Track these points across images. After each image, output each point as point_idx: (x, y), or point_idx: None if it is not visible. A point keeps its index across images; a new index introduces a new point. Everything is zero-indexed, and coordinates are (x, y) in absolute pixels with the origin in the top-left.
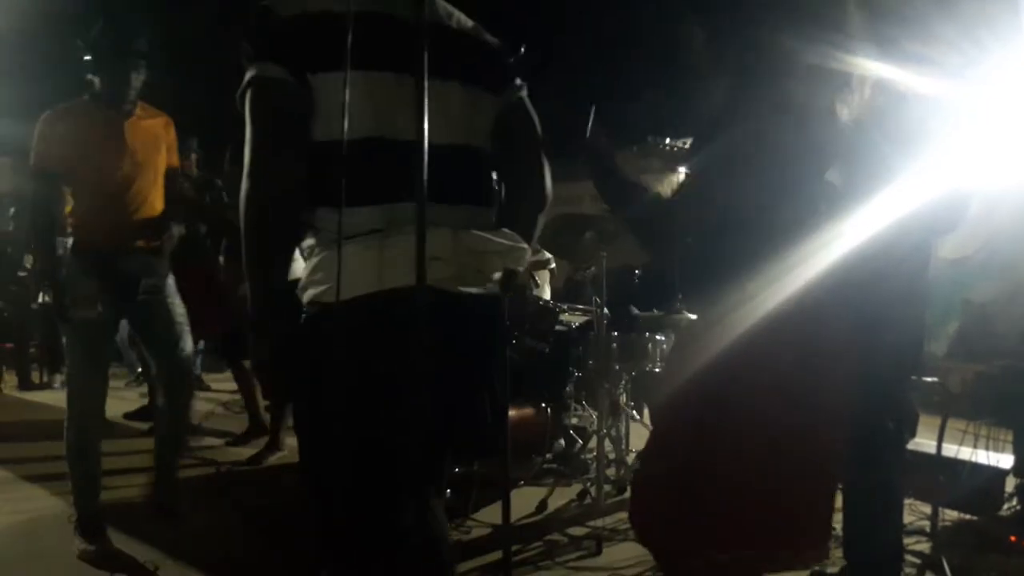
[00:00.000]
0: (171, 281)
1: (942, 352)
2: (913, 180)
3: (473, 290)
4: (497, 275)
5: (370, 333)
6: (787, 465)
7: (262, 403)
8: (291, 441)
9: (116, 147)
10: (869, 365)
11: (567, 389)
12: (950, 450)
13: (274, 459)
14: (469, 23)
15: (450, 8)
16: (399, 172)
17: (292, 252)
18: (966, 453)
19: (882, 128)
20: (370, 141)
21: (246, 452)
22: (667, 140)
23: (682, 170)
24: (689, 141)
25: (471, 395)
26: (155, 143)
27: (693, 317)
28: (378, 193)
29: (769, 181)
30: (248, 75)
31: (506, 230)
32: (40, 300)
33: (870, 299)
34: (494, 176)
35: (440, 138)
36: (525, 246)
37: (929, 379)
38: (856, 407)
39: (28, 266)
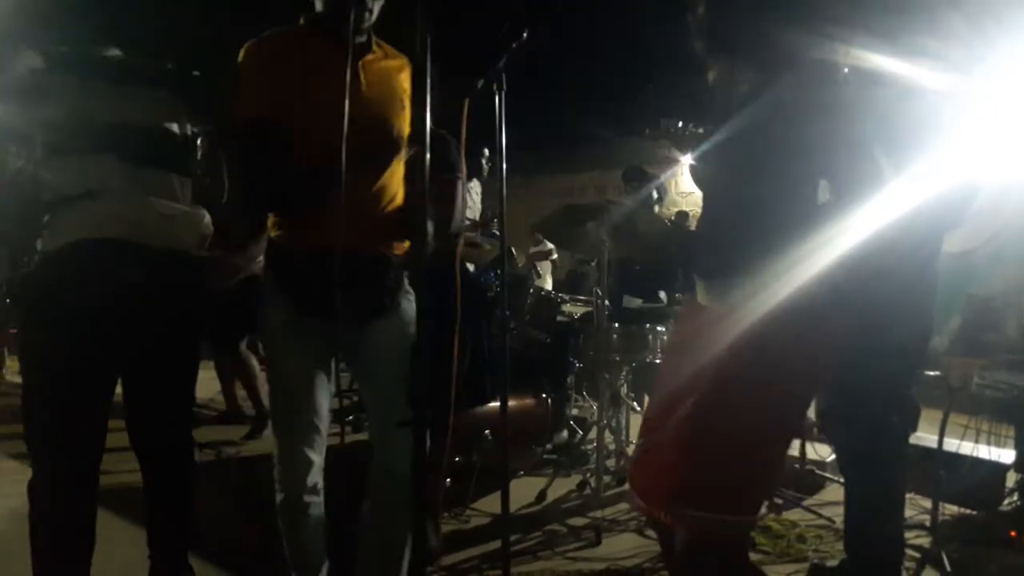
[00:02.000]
0: (409, 305)
1: (944, 346)
2: (919, 174)
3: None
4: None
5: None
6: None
7: (262, 389)
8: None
9: (352, 96)
10: (873, 360)
11: (568, 380)
12: (951, 444)
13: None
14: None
15: None
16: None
17: None
18: (967, 448)
19: (887, 122)
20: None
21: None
22: (679, 124)
23: (688, 159)
24: (700, 127)
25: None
26: (400, 96)
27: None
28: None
29: (769, 176)
30: None
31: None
32: None
33: (875, 294)
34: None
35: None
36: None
37: (931, 373)
38: (847, 390)
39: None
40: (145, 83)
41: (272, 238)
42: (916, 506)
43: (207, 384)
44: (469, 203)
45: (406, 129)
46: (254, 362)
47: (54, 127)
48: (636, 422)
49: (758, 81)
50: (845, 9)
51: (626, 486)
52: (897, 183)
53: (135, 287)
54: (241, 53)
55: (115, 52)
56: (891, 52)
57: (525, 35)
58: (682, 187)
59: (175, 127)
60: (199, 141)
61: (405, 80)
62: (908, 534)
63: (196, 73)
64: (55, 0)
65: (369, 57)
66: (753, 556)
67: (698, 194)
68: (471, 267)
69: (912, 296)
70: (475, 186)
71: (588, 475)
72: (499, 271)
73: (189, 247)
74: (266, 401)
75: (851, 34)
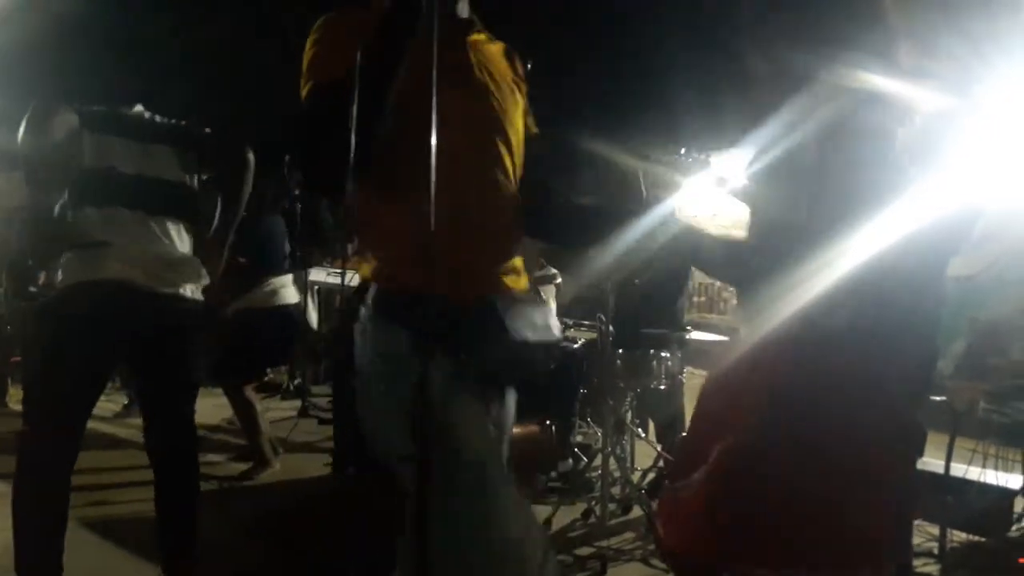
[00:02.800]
0: None
1: (949, 370)
2: (919, 198)
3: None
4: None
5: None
6: (836, 479)
7: (264, 428)
8: (289, 460)
9: (460, 83)
10: (878, 387)
11: (572, 406)
12: (958, 470)
13: (266, 475)
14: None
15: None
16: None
17: None
18: (975, 473)
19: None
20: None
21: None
22: (681, 151)
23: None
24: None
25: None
26: (512, 85)
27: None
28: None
29: (811, 198)
30: None
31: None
32: None
33: (877, 319)
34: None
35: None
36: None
37: (937, 398)
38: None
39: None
40: (163, 140)
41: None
42: (924, 533)
43: (218, 411)
44: None
45: (524, 128)
46: (252, 395)
47: (83, 180)
48: (641, 449)
49: (804, 102)
50: (852, 31)
51: (631, 515)
52: (895, 206)
53: (139, 323)
54: (316, 28)
55: (138, 109)
56: (891, 73)
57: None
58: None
59: (186, 179)
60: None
61: (518, 67)
62: (916, 561)
63: (208, 131)
64: (87, 65)
65: (475, 36)
66: None
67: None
68: None
69: (915, 321)
70: None
71: (593, 503)
72: None
73: (188, 289)
74: (262, 440)
75: (860, 58)
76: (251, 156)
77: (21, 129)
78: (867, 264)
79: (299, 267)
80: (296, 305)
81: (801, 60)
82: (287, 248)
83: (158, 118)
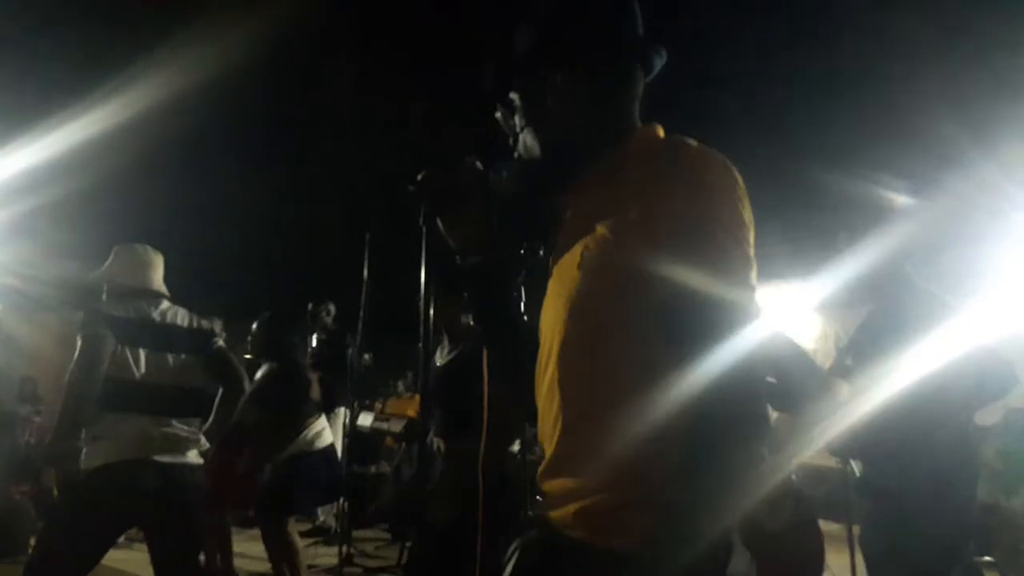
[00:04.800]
0: None
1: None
2: (943, 336)
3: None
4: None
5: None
6: None
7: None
8: None
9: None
10: (904, 559)
11: None
12: None
13: None
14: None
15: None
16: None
17: None
18: None
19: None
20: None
21: None
22: None
23: None
24: None
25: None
26: (607, 239)
27: None
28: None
29: None
30: None
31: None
32: None
33: (897, 485)
34: None
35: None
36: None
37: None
38: None
39: None
40: (177, 349)
41: None
42: None
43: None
44: None
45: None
46: (297, 542)
47: (106, 388)
48: None
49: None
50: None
51: None
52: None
53: (153, 491)
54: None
55: (164, 306)
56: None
57: None
58: None
59: (192, 383)
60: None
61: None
62: None
63: (220, 338)
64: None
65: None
66: None
67: None
68: None
69: (943, 486)
70: None
71: None
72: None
73: (191, 456)
74: None
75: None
76: (243, 376)
77: (78, 354)
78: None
79: (331, 410)
80: (331, 445)
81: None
82: (318, 393)
83: (179, 317)
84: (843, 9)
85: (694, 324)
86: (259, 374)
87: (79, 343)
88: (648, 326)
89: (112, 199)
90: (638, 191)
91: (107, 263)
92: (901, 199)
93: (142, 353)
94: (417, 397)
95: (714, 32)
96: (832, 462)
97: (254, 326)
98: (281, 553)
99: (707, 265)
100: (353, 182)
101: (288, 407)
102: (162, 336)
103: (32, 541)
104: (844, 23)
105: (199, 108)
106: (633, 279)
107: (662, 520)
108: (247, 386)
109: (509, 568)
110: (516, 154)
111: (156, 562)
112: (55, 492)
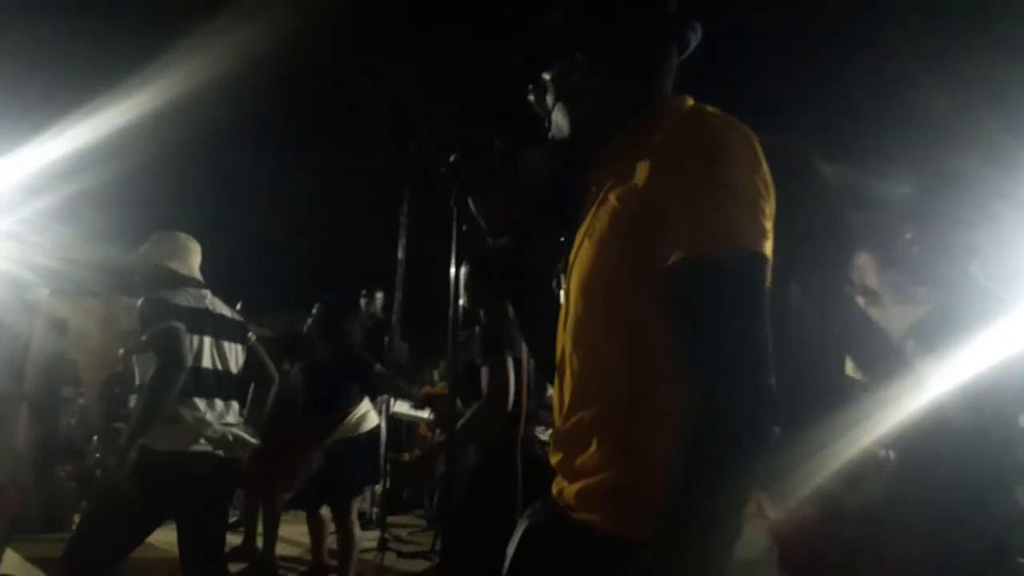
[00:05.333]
0: None
1: None
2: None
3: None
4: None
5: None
6: None
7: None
8: None
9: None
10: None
11: None
12: None
13: None
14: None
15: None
16: None
17: None
18: None
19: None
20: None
21: None
22: None
23: None
24: None
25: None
26: (624, 222)
27: None
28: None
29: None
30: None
31: None
32: None
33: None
34: None
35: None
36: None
37: None
38: None
39: None
40: (226, 337)
41: None
42: None
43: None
44: None
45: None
46: (357, 532)
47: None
48: None
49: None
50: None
51: None
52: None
53: (211, 483)
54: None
55: (208, 295)
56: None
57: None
58: None
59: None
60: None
61: (642, 177)
62: None
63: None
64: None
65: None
66: None
67: None
68: None
69: (990, 484)
70: None
71: None
72: None
73: (237, 453)
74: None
75: None
76: (274, 369)
77: (163, 352)
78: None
79: (375, 396)
80: (377, 427)
81: None
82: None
83: (223, 306)
84: None
85: (701, 297)
86: (314, 358)
87: (158, 339)
88: (654, 299)
89: (150, 185)
90: (651, 160)
91: (147, 248)
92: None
93: (206, 341)
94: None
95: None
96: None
97: (314, 309)
98: (342, 539)
99: (714, 235)
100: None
101: (340, 392)
102: (218, 325)
103: (75, 519)
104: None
105: (237, 96)
106: (638, 250)
107: (664, 504)
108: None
109: (514, 541)
110: (547, 135)
111: (187, 551)
112: (97, 472)
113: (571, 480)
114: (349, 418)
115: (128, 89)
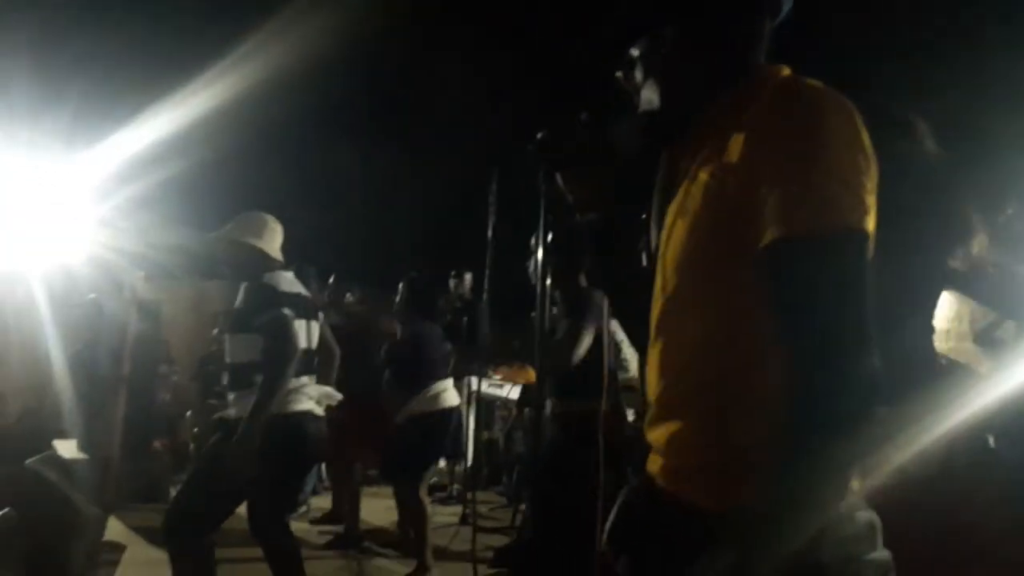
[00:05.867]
0: None
1: None
2: None
3: None
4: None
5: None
6: None
7: (429, 539)
8: (450, 569)
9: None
10: None
11: None
12: None
13: None
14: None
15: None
16: None
17: None
18: None
19: None
20: None
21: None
22: None
23: None
24: None
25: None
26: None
27: None
28: None
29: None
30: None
31: None
32: None
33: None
34: None
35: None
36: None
37: None
38: None
39: None
40: (307, 316)
41: None
42: None
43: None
44: None
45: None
46: (427, 507)
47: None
48: None
49: None
50: None
51: None
52: None
53: (311, 433)
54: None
55: (292, 276)
56: None
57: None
58: None
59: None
60: None
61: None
62: None
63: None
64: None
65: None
66: None
67: None
68: None
69: None
70: None
71: None
72: None
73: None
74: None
75: None
76: (336, 349)
77: (281, 341)
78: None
79: (459, 376)
80: (456, 407)
81: None
82: (447, 355)
83: (303, 290)
84: None
85: (800, 276)
86: (399, 333)
87: (271, 327)
88: (751, 277)
89: (237, 170)
90: (745, 134)
91: (231, 227)
92: None
93: (303, 324)
94: (530, 366)
95: None
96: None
97: (400, 285)
98: (411, 514)
99: (813, 212)
100: (472, 150)
101: (423, 368)
102: (307, 306)
103: (171, 491)
104: None
105: (321, 79)
106: (733, 228)
107: (764, 482)
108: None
109: (611, 519)
110: (636, 110)
111: (262, 511)
112: (191, 446)
113: (665, 456)
114: (430, 394)
115: (213, 76)
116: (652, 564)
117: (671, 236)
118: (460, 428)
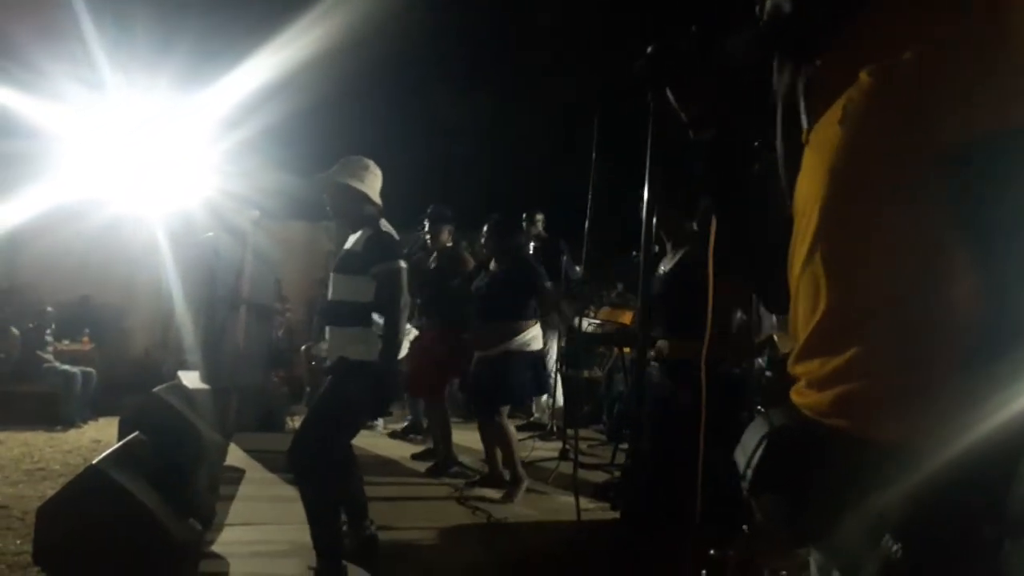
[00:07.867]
0: None
1: None
2: None
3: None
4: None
5: None
6: None
7: (517, 455)
8: (548, 501)
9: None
10: None
11: None
12: None
13: (525, 513)
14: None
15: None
16: None
17: None
18: None
19: None
20: None
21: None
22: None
23: None
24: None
25: None
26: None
27: None
28: None
29: None
30: None
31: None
32: None
33: None
34: None
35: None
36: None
37: None
38: None
39: None
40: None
41: None
42: None
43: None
44: None
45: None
46: (511, 429)
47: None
48: None
49: None
50: None
51: None
52: None
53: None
54: None
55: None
56: None
57: None
58: None
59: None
60: None
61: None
62: None
63: None
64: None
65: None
66: None
67: None
68: None
69: None
70: None
71: None
72: None
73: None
74: (520, 467)
75: None
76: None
77: (398, 291)
78: None
79: (546, 315)
80: (542, 350)
81: None
82: (532, 295)
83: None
84: None
85: (987, 178)
86: (484, 274)
87: (390, 276)
88: (928, 184)
89: (336, 114)
90: (913, 24)
91: (336, 169)
92: None
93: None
94: (628, 308)
95: None
96: None
97: (484, 228)
98: (495, 439)
99: (1006, 101)
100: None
101: (510, 304)
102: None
103: (287, 419)
104: None
105: (409, 28)
106: (909, 125)
107: (939, 412)
108: None
109: (757, 460)
110: (761, 19)
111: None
112: (304, 380)
113: (822, 388)
114: (516, 331)
115: (314, 21)
116: (814, 500)
117: (825, 155)
118: (542, 367)
